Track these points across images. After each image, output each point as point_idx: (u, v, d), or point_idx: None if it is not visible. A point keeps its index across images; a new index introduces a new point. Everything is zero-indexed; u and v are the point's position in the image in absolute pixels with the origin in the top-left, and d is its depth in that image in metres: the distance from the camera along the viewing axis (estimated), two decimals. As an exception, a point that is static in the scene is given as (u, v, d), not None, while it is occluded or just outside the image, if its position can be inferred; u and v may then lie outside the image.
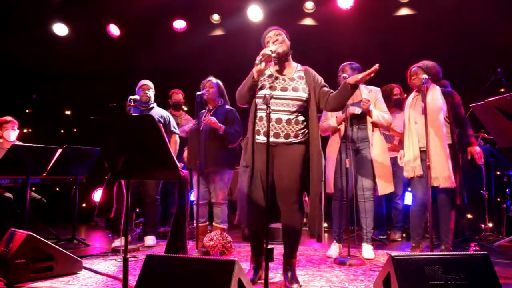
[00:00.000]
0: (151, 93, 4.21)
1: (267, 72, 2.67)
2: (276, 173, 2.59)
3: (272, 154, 2.58)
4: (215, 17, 5.80)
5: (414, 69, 3.53)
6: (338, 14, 5.35)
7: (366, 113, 3.51)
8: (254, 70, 2.48)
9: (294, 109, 2.57)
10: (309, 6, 5.48)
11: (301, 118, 2.61)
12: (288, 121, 2.57)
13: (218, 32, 5.88)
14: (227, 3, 5.54)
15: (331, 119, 3.64)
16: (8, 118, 4.58)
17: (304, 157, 2.60)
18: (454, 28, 5.09)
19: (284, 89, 2.59)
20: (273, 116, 2.55)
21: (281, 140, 2.57)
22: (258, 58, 2.44)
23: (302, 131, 2.61)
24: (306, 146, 2.62)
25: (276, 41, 2.64)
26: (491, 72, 4.33)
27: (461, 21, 5.01)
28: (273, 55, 2.53)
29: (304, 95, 2.59)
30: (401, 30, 5.31)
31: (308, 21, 5.57)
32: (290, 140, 2.57)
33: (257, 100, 2.63)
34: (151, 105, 4.21)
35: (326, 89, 2.66)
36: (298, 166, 2.57)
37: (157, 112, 4.21)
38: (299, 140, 2.60)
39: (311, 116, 2.61)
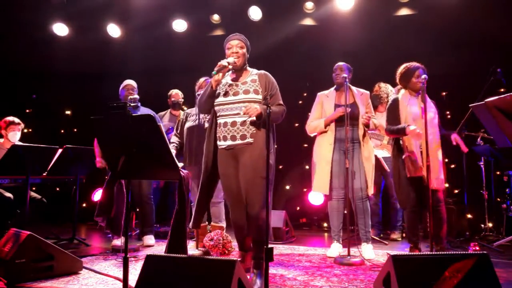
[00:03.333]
0: (135, 92, 4.20)
1: (223, 81, 2.81)
2: (240, 175, 2.67)
3: (234, 156, 2.70)
4: (215, 17, 5.80)
5: (420, 71, 3.43)
6: (338, 14, 5.35)
7: (362, 115, 3.59)
8: (212, 80, 2.69)
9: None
10: (309, 6, 5.47)
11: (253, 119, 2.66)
12: (243, 123, 2.66)
13: (218, 32, 5.88)
14: (227, 3, 5.53)
15: (319, 120, 3.68)
16: (16, 119, 4.58)
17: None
18: (454, 28, 5.09)
19: (235, 93, 2.72)
20: (229, 120, 2.69)
21: (238, 142, 2.66)
22: (215, 68, 2.63)
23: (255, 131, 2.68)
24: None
25: (236, 53, 2.76)
26: (491, 72, 4.33)
27: (460, 21, 5.01)
28: (230, 67, 2.71)
29: (253, 96, 2.67)
30: (401, 30, 5.31)
31: (308, 21, 5.57)
32: (247, 140, 2.65)
33: (215, 108, 2.77)
34: (136, 105, 4.17)
35: (273, 100, 2.74)
36: (253, 165, 2.63)
37: (144, 111, 4.19)
38: (252, 140, 2.67)
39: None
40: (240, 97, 2.68)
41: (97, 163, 4.27)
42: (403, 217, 4.68)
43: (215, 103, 2.77)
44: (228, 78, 2.84)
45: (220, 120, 2.74)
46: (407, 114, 3.42)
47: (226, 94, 2.75)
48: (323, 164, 3.61)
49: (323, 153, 3.62)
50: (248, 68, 2.87)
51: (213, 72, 2.64)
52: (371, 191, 3.61)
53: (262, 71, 2.84)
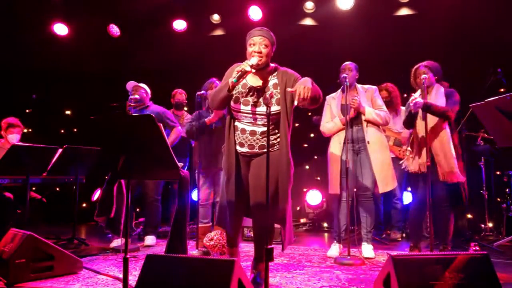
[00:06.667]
0: (143, 92, 4.22)
1: (243, 81, 2.51)
2: (252, 172, 2.57)
3: (249, 161, 2.60)
4: (215, 17, 5.80)
5: (420, 69, 3.48)
6: (338, 14, 5.35)
7: (359, 112, 3.55)
8: (230, 82, 2.39)
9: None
10: (309, 6, 5.47)
11: (275, 129, 2.54)
12: (262, 133, 2.50)
13: (218, 32, 5.88)
14: (227, 3, 5.54)
15: (334, 119, 3.65)
16: (16, 122, 4.58)
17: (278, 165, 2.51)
18: (454, 28, 5.09)
19: (258, 104, 2.49)
20: (248, 128, 2.52)
21: (256, 151, 2.54)
22: (235, 75, 2.35)
23: (278, 140, 2.55)
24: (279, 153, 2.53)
25: (259, 53, 2.45)
26: (491, 72, 4.33)
27: (461, 21, 5.01)
28: (253, 70, 2.42)
29: (275, 108, 2.47)
30: (401, 30, 5.31)
31: (308, 21, 5.57)
32: (265, 150, 2.47)
33: (233, 112, 2.56)
34: (147, 104, 4.23)
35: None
36: (274, 171, 2.46)
37: (153, 109, 4.23)
38: (275, 150, 2.55)
39: (282, 124, 2.51)
40: (261, 109, 2.47)
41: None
42: (403, 218, 4.69)
43: (233, 108, 2.54)
44: (248, 80, 2.54)
45: (238, 124, 2.56)
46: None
47: (245, 102, 2.50)
48: (333, 164, 3.61)
49: (334, 153, 3.62)
50: (270, 64, 2.58)
51: (233, 80, 2.35)
52: (385, 188, 3.52)
53: (282, 70, 2.57)
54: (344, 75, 3.53)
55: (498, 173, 4.94)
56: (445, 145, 3.32)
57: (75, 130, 6.87)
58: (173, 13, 5.78)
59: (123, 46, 6.07)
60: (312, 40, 5.62)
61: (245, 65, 2.39)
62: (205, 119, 3.91)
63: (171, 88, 5.14)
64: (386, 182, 3.54)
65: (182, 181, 2.78)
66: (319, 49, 5.66)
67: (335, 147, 3.64)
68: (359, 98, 3.54)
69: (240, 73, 2.36)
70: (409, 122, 3.51)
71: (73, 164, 4.29)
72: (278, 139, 2.55)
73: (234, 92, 2.50)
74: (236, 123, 2.57)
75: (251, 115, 2.50)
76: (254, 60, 2.42)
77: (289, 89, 2.38)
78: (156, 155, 2.25)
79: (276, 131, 2.55)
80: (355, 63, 3.75)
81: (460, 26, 5.04)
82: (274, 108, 2.47)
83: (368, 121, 3.58)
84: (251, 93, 2.51)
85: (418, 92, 3.56)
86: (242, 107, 2.50)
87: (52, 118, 6.88)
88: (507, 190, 4.61)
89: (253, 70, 2.43)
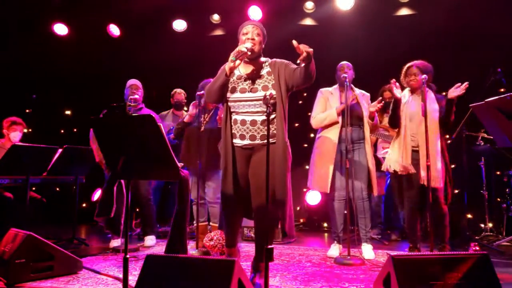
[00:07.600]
0: (140, 93, 4.17)
1: (236, 72, 2.61)
2: (252, 172, 2.57)
3: (249, 155, 2.59)
4: (215, 17, 5.80)
5: (412, 68, 3.48)
6: (338, 14, 5.36)
7: (366, 115, 3.59)
8: (227, 67, 2.46)
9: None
10: (309, 6, 5.48)
11: (274, 116, 2.53)
12: (263, 122, 2.51)
13: (218, 32, 5.89)
14: (227, 3, 5.54)
15: (329, 110, 3.62)
16: (19, 120, 4.58)
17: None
18: (454, 28, 5.09)
19: (254, 90, 2.53)
20: (248, 118, 2.53)
21: (258, 142, 2.54)
22: (233, 54, 2.43)
23: (276, 128, 2.54)
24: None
25: (252, 40, 2.55)
26: (491, 72, 4.33)
27: (461, 21, 5.01)
28: (249, 53, 2.49)
29: (273, 92, 2.51)
30: (401, 30, 5.31)
31: (308, 21, 5.57)
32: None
33: (229, 103, 2.58)
34: (140, 106, 4.17)
35: (292, 66, 2.59)
36: (273, 166, 2.46)
37: (146, 112, 4.19)
38: (275, 140, 2.53)
39: (278, 108, 2.51)
40: (259, 94, 2.49)
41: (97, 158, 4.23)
42: (404, 218, 4.69)
43: (230, 99, 2.57)
44: (241, 71, 2.62)
45: (237, 117, 2.56)
46: (405, 110, 3.48)
47: (242, 90, 2.55)
48: (326, 163, 3.57)
49: (327, 151, 3.58)
50: (262, 58, 2.66)
51: (232, 58, 2.41)
52: (376, 191, 3.60)
53: (273, 60, 2.65)
54: (344, 74, 3.53)
55: (498, 173, 4.94)
56: (433, 148, 3.31)
57: (75, 130, 6.87)
58: (173, 13, 5.78)
59: (123, 46, 6.08)
60: (312, 40, 5.62)
61: (241, 47, 2.48)
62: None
63: (170, 88, 5.14)
64: (375, 184, 3.58)
65: (182, 182, 2.78)
66: (319, 49, 5.64)
67: (329, 146, 3.58)
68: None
69: (237, 54, 2.43)
70: (395, 121, 3.49)
71: (73, 164, 4.28)
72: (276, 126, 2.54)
73: (229, 84, 2.56)
74: (235, 116, 2.58)
75: (249, 102, 2.52)
76: (248, 44, 2.51)
77: (294, 42, 2.37)
78: (156, 155, 2.25)
79: (274, 118, 2.54)
80: (355, 63, 3.77)
81: (460, 26, 5.04)
82: (271, 91, 2.49)
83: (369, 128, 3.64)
84: (246, 82, 2.57)
85: (406, 90, 3.56)
86: (240, 95, 2.54)
87: (52, 118, 6.88)
88: (507, 190, 4.61)
89: (249, 53, 2.49)
